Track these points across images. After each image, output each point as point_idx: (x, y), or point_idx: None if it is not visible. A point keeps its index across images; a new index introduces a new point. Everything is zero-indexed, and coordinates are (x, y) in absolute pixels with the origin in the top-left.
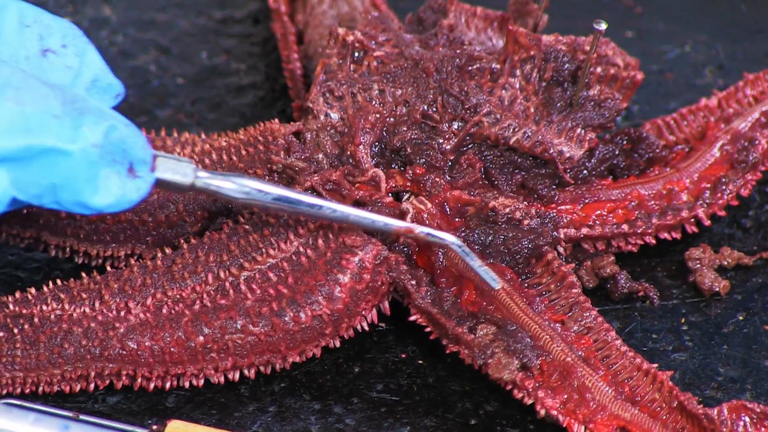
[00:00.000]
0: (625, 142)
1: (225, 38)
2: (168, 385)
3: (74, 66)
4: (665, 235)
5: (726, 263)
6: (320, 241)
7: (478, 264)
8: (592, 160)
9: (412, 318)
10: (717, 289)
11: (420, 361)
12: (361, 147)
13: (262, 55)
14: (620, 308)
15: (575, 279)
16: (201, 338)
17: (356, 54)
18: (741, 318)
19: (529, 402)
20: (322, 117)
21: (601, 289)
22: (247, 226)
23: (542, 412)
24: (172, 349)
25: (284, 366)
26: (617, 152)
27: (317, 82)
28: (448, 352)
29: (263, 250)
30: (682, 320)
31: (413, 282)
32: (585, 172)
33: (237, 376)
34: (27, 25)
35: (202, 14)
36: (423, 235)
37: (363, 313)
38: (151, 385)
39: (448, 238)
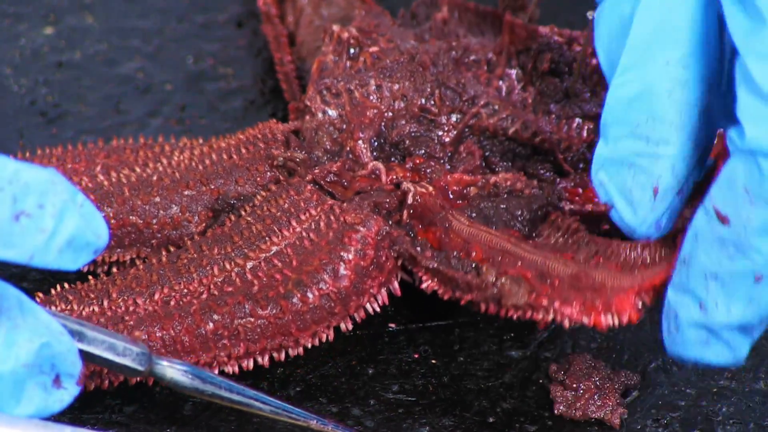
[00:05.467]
0: None
1: (209, 43)
2: None
3: (49, 228)
4: None
5: None
6: (322, 224)
7: None
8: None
9: (423, 285)
10: None
11: (433, 361)
12: (360, 142)
13: (248, 59)
14: None
15: (580, 224)
16: (211, 325)
17: (352, 50)
18: None
19: (549, 319)
20: (320, 115)
21: None
22: (249, 218)
23: (566, 322)
24: (183, 338)
25: (297, 351)
26: None
27: (314, 80)
28: (462, 303)
29: (267, 238)
30: None
31: (418, 248)
32: (582, 165)
33: (251, 364)
34: (0, 188)
35: (184, 20)
36: None
37: (371, 291)
38: None
39: None
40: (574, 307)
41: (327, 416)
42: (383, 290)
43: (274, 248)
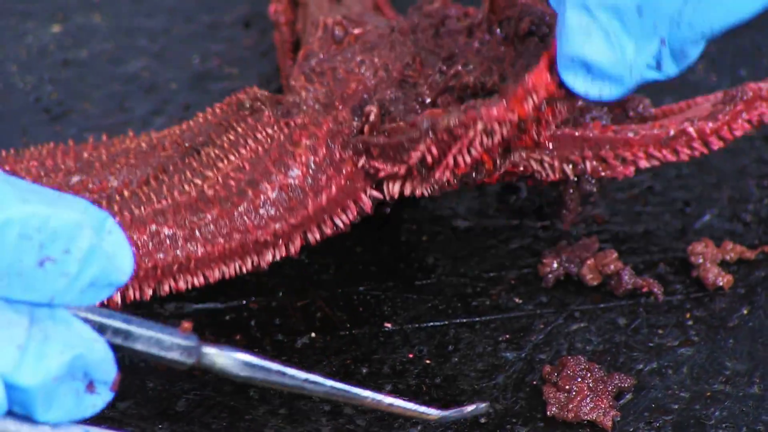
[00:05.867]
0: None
1: (216, 43)
2: (149, 291)
3: (72, 272)
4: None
5: (728, 258)
6: (275, 135)
7: None
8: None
9: (382, 174)
10: (721, 283)
11: (427, 361)
12: (341, 108)
13: (254, 59)
14: (625, 304)
15: None
16: (165, 227)
17: (337, 32)
18: (745, 312)
19: (485, 127)
20: (303, 93)
21: (604, 285)
22: (207, 149)
23: (496, 127)
24: (136, 239)
25: (263, 263)
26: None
27: (299, 64)
28: (411, 163)
29: (224, 159)
30: (687, 315)
31: (368, 139)
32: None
33: (216, 273)
34: (28, 236)
35: (191, 19)
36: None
37: (331, 191)
38: (129, 293)
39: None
40: (500, 106)
41: (384, 392)
42: (351, 204)
43: (231, 166)
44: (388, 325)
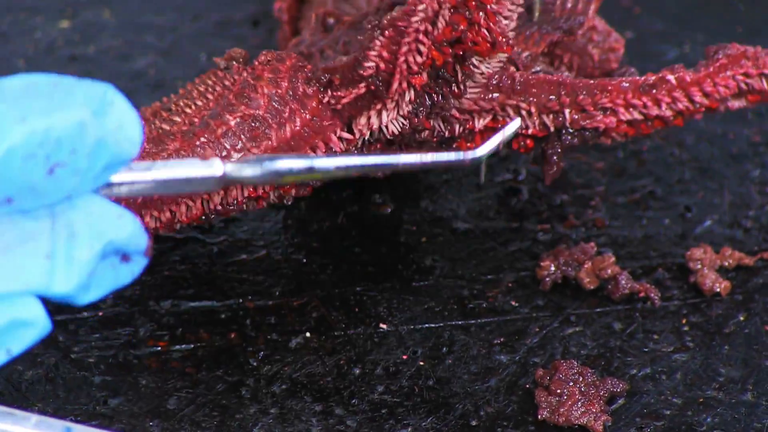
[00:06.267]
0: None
1: (224, 41)
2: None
3: (83, 167)
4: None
5: (727, 264)
6: (240, 78)
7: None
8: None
9: (344, 101)
10: (718, 289)
11: (421, 363)
12: None
13: None
14: (621, 309)
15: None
16: None
17: (328, 21)
18: (742, 318)
19: (426, 12)
20: None
21: (601, 290)
22: (178, 101)
23: (434, 7)
24: None
25: (229, 198)
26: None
27: (288, 49)
28: (367, 77)
29: (192, 105)
30: (683, 321)
31: (328, 65)
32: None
33: (183, 209)
34: (32, 155)
35: (200, 17)
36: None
37: (294, 125)
38: None
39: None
40: None
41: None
42: (321, 144)
43: (197, 109)
44: (384, 326)
